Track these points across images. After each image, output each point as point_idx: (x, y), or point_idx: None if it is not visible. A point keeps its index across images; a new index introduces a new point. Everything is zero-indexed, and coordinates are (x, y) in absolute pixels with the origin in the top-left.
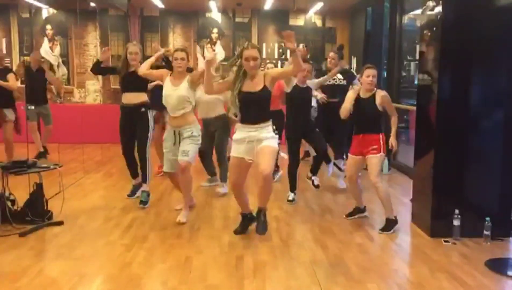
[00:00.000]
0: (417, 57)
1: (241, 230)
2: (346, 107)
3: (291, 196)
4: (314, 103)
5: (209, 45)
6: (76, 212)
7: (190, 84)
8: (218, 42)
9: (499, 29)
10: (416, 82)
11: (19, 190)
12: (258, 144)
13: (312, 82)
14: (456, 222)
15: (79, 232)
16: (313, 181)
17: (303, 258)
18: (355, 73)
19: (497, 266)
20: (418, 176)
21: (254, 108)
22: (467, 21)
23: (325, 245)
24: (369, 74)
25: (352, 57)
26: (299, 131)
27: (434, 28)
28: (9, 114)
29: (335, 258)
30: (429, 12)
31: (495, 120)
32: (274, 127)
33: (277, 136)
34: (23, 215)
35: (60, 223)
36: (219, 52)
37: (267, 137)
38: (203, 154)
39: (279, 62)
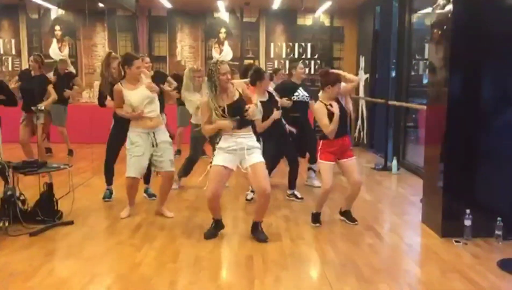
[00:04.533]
0: (426, 56)
1: (212, 235)
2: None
3: (249, 195)
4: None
5: (216, 45)
6: (85, 212)
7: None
8: (226, 42)
9: (510, 27)
10: (425, 81)
11: (30, 190)
12: (246, 154)
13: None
14: (467, 222)
15: (89, 232)
16: (296, 196)
17: (313, 258)
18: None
19: (509, 266)
20: (429, 176)
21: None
22: (478, 19)
23: (335, 245)
24: None
25: (361, 56)
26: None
27: (445, 27)
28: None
29: (346, 258)
30: (439, 11)
31: (506, 119)
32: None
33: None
34: (33, 215)
35: (70, 223)
36: (227, 52)
37: (255, 146)
38: (193, 162)
39: (287, 62)
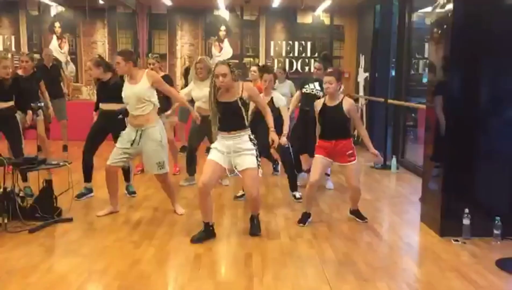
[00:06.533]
0: (426, 55)
1: (198, 239)
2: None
3: (240, 192)
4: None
5: (216, 43)
6: (85, 208)
7: (150, 83)
8: (226, 40)
9: (510, 27)
10: (425, 80)
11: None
12: (237, 157)
13: (280, 99)
14: (466, 221)
15: (88, 229)
16: (294, 196)
17: (312, 256)
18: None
19: (507, 265)
20: (428, 175)
21: (230, 116)
22: (478, 18)
23: (334, 244)
24: (326, 81)
25: (361, 55)
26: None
27: (445, 26)
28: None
29: (344, 257)
30: (439, 10)
31: (505, 119)
32: (253, 136)
33: (255, 146)
34: (32, 211)
35: (69, 219)
36: (227, 50)
37: (245, 149)
38: (191, 152)
39: (287, 60)
